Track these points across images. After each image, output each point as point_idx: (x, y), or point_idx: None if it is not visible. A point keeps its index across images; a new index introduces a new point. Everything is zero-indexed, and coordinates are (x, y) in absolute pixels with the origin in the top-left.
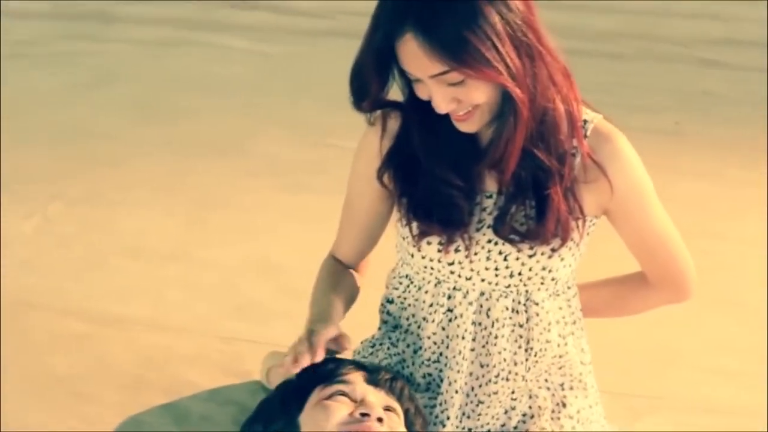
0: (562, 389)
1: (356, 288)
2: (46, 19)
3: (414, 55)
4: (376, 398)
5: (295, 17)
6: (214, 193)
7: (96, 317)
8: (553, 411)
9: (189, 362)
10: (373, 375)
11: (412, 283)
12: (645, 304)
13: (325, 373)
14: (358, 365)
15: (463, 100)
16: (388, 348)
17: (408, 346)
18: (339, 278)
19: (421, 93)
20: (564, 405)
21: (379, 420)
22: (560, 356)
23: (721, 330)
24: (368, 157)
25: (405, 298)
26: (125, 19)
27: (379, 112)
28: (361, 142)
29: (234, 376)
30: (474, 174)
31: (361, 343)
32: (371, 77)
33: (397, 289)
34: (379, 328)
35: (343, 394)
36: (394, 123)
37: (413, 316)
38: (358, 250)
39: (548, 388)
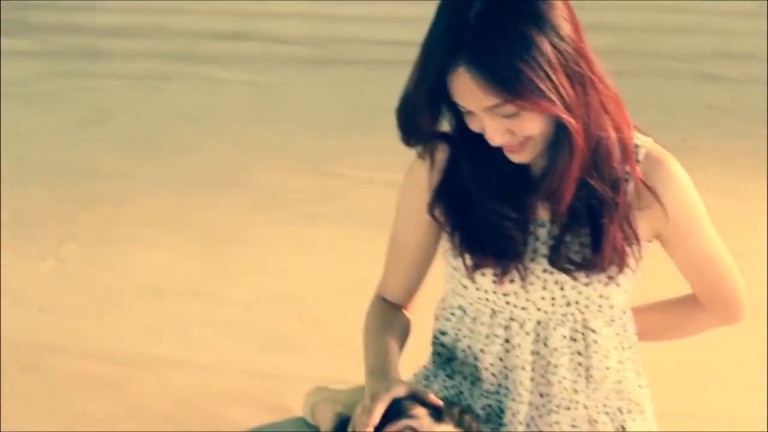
0: (621, 413)
1: (408, 327)
2: (35, 58)
3: (467, 89)
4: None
5: (284, 46)
6: (223, 227)
7: (124, 358)
8: None
9: (228, 400)
10: (439, 409)
11: (466, 314)
12: (697, 327)
13: (391, 411)
14: (423, 402)
15: (516, 131)
16: (444, 380)
17: (465, 378)
18: (391, 320)
19: (474, 125)
20: (624, 429)
21: None
22: (619, 381)
23: (744, 345)
24: (417, 191)
25: (459, 329)
26: (114, 54)
27: (426, 145)
28: (408, 177)
29: (275, 413)
30: (527, 205)
31: (414, 375)
32: (423, 112)
33: (449, 320)
34: (433, 361)
35: (412, 429)
36: (441, 156)
37: (469, 347)
38: (408, 287)
39: (607, 413)
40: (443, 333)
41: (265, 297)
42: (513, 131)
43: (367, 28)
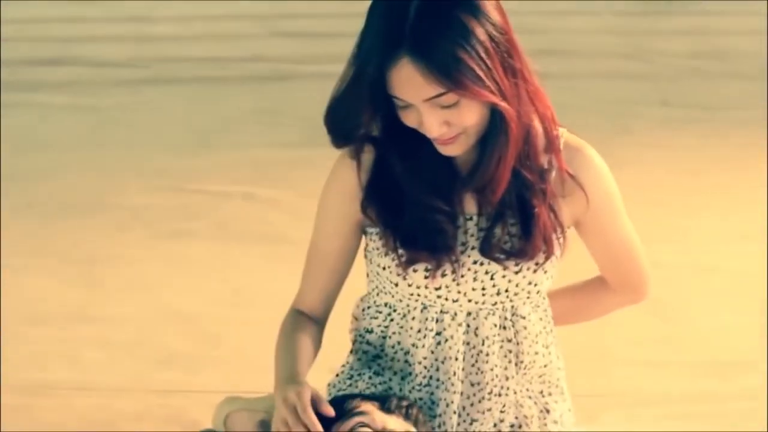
0: (543, 396)
1: (320, 340)
2: None
3: (410, 80)
4: (396, 425)
5: (107, 69)
6: (93, 250)
7: (24, 387)
8: (538, 419)
9: (134, 419)
10: (386, 403)
11: (394, 311)
12: (606, 308)
13: (341, 410)
14: (365, 397)
15: (454, 122)
16: (370, 378)
17: (395, 373)
18: (303, 328)
19: (409, 120)
20: (548, 411)
21: None
22: (545, 365)
23: (640, 324)
24: (344, 194)
25: (386, 327)
26: None
27: (351, 147)
28: (333, 183)
29: (182, 427)
30: (457, 198)
31: (337, 375)
32: (363, 110)
33: (375, 318)
34: (358, 359)
35: (364, 425)
36: (368, 156)
37: (399, 343)
38: (327, 295)
39: (530, 397)
40: (369, 331)
41: (152, 315)
42: (450, 122)
43: (186, 46)
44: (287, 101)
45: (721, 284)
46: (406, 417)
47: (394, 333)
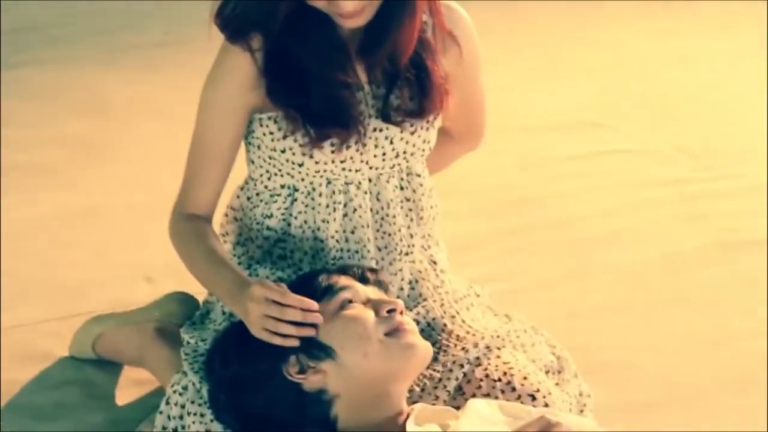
0: (426, 249)
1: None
2: None
3: None
4: (374, 294)
5: None
6: None
7: None
8: (430, 271)
9: None
10: (359, 274)
11: (296, 191)
12: (451, 158)
13: (315, 290)
14: (340, 270)
15: None
16: (274, 263)
17: (305, 253)
18: (214, 238)
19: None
20: (435, 262)
21: (401, 312)
22: (433, 218)
23: None
24: (239, 84)
25: (288, 208)
26: None
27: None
28: (225, 73)
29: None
30: (354, 69)
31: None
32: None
33: (274, 202)
34: (259, 246)
35: (351, 301)
36: (257, 43)
37: (305, 222)
38: (218, 191)
39: (421, 251)
40: (268, 216)
41: None
42: None
43: None
44: None
45: None
46: (379, 285)
47: (300, 213)
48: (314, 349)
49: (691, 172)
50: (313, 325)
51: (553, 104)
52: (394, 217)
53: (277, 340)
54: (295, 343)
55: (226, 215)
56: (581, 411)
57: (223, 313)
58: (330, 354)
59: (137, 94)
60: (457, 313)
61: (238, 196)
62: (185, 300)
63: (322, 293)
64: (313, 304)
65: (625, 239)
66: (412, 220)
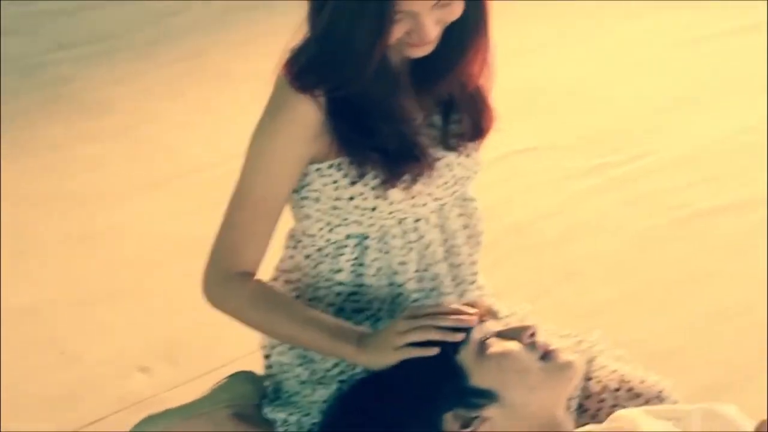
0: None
1: None
2: None
3: None
4: (500, 324)
5: None
6: None
7: None
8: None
9: None
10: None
11: (366, 238)
12: None
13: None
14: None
15: (445, 20)
16: (350, 317)
17: (383, 300)
18: (286, 296)
19: (398, 31)
20: (480, 287)
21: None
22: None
23: None
24: (304, 134)
25: (357, 258)
26: None
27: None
28: (291, 124)
29: None
30: (409, 104)
31: None
32: (378, 42)
33: (343, 255)
34: (330, 303)
35: (486, 338)
36: (319, 90)
37: (380, 269)
38: (267, 246)
39: None
40: (337, 271)
41: None
42: (442, 21)
43: None
44: None
45: None
46: (491, 315)
47: (374, 260)
48: (471, 398)
49: (603, 157)
50: (465, 330)
51: None
52: (459, 246)
53: (417, 352)
54: (436, 351)
55: (275, 279)
56: None
57: (302, 382)
58: (492, 397)
59: None
60: None
61: (291, 257)
62: (253, 378)
63: (452, 342)
64: (470, 309)
65: (584, 233)
66: (472, 246)
